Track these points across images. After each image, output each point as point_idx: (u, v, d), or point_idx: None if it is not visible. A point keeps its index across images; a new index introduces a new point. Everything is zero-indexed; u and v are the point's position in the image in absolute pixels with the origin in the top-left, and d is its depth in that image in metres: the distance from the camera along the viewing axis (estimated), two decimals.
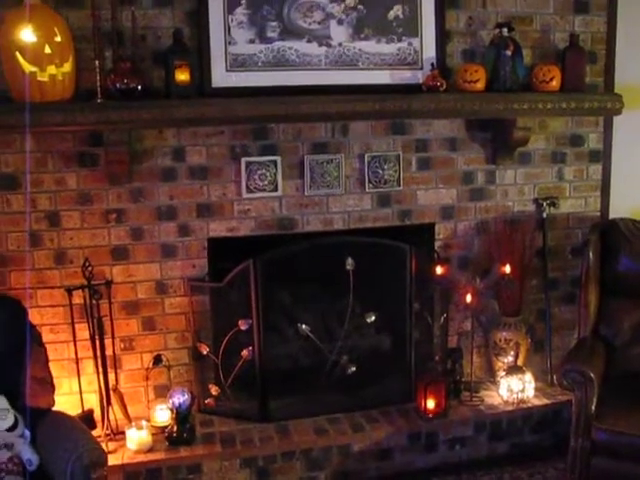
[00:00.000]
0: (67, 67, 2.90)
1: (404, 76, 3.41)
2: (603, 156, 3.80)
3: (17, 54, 2.79)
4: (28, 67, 2.81)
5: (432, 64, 3.34)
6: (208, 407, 3.43)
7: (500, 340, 3.62)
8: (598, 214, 3.83)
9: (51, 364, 3.07)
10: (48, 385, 2.85)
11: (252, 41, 3.24)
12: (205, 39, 3.17)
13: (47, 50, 2.81)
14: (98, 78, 2.95)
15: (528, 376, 3.49)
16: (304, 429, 3.32)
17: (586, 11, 3.64)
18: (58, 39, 2.85)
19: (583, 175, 3.80)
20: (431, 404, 3.35)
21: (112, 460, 3.01)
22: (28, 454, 2.53)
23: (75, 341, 3.17)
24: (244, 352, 3.34)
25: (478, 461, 3.43)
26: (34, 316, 3.12)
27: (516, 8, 3.54)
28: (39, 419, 2.62)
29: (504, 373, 3.52)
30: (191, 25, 3.18)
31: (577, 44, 3.50)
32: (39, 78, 2.82)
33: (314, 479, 3.28)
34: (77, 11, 3.04)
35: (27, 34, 2.78)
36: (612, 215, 3.79)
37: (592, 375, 2.92)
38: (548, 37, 3.60)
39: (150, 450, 3.13)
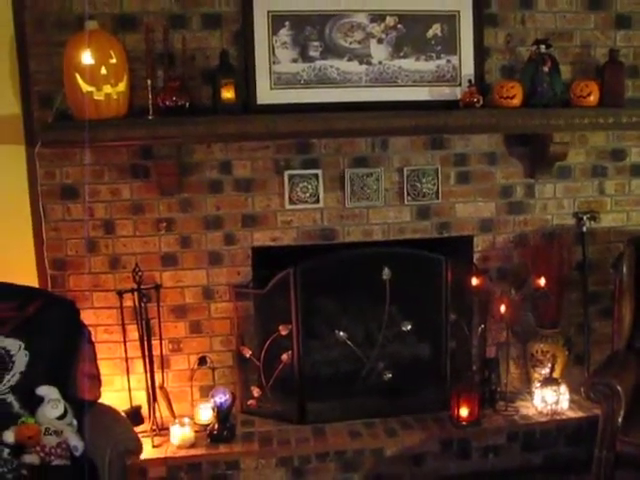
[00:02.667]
0: (121, 86, 3.12)
1: (443, 92, 3.51)
2: None
3: (76, 75, 3.04)
4: (86, 87, 3.04)
5: (469, 80, 3.43)
6: (250, 408, 3.59)
7: (537, 352, 3.64)
8: None
9: (104, 362, 3.33)
10: (96, 380, 3.07)
11: (295, 60, 3.40)
12: (250, 59, 3.35)
13: (103, 71, 3.04)
14: (150, 96, 3.18)
15: (563, 388, 3.51)
16: (339, 432, 3.43)
17: (628, 26, 3.65)
18: (113, 61, 3.08)
19: (625, 189, 3.79)
20: (464, 412, 3.42)
21: (156, 453, 3.25)
22: (75, 441, 2.73)
23: (125, 341, 3.38)
24: (284, 356, 3.48)
25: (511, 470, 3.45)
26: (90, 317, 3.37)
27: (555, 24, 3.58)
28: (86, 410, 2.83)
29: (539, 384, 3.55)
30: (238, 46, 3.36)
31: (617, 59, 3.50)
32: (95, 97, 3.05)
33: None
34: (132, 34, 3.28)
35: (85, 57, 3.02)
36: None
37: (619, 388, 2.93)
38: (588, 52, 3.62)
39: (192, 446, 3.29)
